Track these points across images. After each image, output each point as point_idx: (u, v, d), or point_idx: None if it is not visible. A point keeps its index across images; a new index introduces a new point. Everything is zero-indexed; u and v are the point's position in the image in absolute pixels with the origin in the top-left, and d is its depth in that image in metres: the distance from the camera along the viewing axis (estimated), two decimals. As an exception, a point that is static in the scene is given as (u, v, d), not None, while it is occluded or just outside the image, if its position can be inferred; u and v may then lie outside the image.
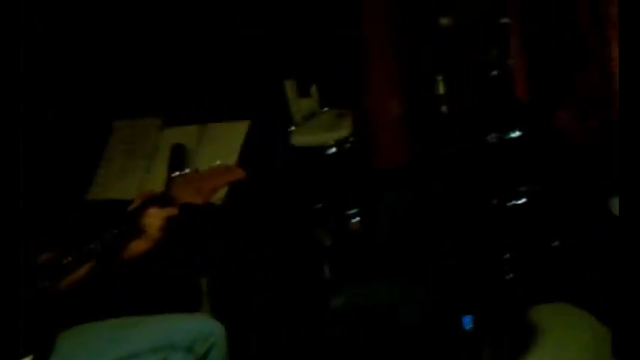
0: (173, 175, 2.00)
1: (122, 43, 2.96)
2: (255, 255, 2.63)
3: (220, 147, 2.66)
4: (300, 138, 2.68)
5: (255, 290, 2.64)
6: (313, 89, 2.79)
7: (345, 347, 2.38)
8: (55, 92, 2.83)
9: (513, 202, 2.35)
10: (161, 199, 1.91)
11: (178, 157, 2.64)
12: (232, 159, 2.58)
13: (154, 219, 1.87)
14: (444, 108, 2.49)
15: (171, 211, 1.90)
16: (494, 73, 2.42)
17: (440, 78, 2.49)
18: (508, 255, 2.33)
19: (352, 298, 2.48)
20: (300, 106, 2.76)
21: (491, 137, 2.32)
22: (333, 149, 2.55)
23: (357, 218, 2.53)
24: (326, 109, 2.78)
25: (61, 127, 2.83)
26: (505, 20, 2.39)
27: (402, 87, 2.51)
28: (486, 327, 2.24)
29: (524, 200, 2.35)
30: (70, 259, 1.77)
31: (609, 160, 2.18)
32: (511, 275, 2.31)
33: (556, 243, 2.38)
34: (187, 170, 2.02)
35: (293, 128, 2.72)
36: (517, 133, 2.30)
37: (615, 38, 2.15)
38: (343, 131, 2.59)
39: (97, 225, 1.88)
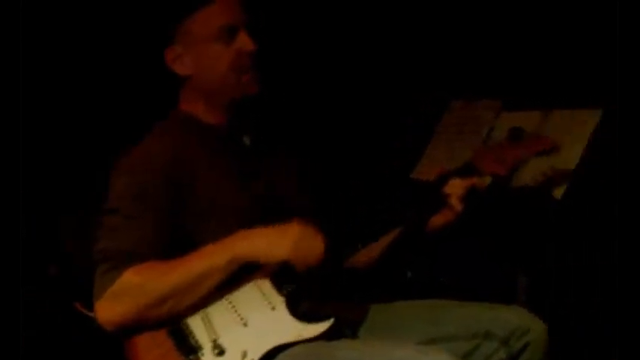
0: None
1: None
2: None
3: (564, 136, 2.37)
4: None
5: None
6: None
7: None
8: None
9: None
10: (463, 170, 1.86)
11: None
12: (577, 151, 2.29)
13: (456, 188, 1.83)
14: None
15: (474, 181, 1.84)
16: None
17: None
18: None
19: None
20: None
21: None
22: None
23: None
24: None
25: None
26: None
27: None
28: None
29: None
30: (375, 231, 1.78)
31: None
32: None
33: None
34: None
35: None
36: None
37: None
38: None
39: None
